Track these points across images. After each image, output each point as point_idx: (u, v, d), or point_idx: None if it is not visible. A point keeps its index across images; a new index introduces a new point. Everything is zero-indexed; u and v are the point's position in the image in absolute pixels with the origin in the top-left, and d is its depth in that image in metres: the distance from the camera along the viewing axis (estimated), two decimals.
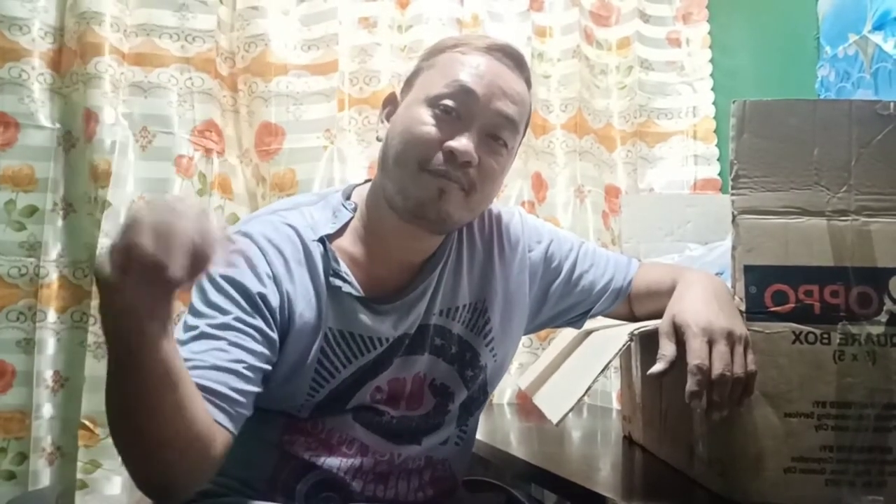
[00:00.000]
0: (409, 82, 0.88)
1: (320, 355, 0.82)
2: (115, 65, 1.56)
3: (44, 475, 1.46)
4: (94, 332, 1.47)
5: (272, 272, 0.79)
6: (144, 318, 0.59)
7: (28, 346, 1.48)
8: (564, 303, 1.00)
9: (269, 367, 0.78)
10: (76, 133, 1.55)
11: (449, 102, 0.81)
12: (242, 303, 0.77)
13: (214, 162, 1.64)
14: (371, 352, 0.85)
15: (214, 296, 0.77)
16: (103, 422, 1.44)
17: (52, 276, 1.51)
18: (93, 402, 1.45)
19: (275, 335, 0.78)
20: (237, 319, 0.76)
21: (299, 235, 0.82)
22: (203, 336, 0.75)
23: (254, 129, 1.69)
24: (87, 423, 1.46)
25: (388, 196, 0.83)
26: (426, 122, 0.81)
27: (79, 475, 1.44)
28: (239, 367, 0.74)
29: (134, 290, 0.56)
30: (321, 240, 0.83)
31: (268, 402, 0.81)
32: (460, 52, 0.84)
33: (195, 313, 0.77)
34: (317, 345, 0.82)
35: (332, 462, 0.84)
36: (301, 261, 0.82)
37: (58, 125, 1.55)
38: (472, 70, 0.82)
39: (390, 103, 0.89)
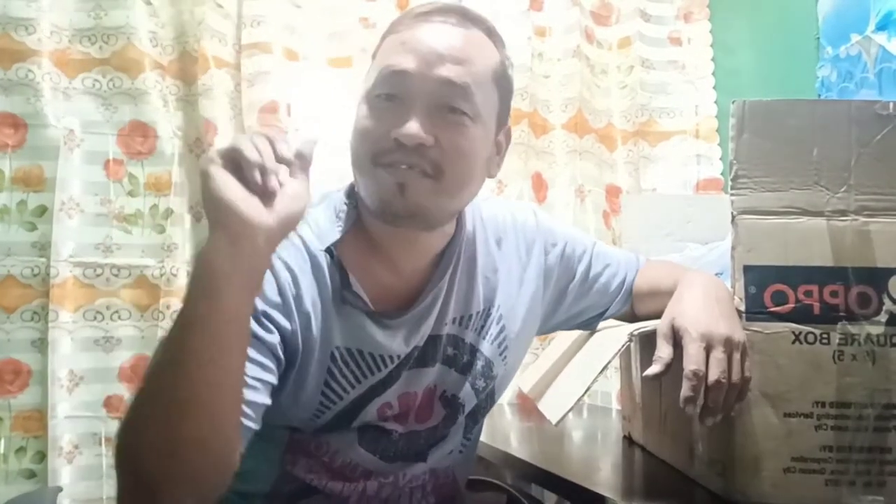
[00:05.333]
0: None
1: (327, 376, 0.78)
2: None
3: (63, 473, 1.47)
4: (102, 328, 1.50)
5: (281, 290, 0.74)
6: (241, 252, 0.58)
7: (42, 345, 1.49)
8: (579, 305, 0.98)
9: (275, 383, 0.73)
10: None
11: (383, 91, 0.75)
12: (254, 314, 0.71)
13: (144, 163, 1.61)
14: (381, 370, 0.81)
15: None
16: None
17: (64, 275, 1.51)
18: None
19: (281, 354, 0.74)
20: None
21: (306, 246, 0.77)
22: None
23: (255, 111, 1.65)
24: None
25: (364, 201, 0.79)
26: (366, 117, 0.76)
27: None
28: (250, 379, 0.68)
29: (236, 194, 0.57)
30: (328, 250, 0.78)
31: (272, 419, 0.75)
32: (395, 34, 0.78)
33: None
34: (324, 365, 0.77)
35: (334, 486, 0.82)
36: (308, 272, 0.76)
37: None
38: (402, 49, 0.75)
39: None
